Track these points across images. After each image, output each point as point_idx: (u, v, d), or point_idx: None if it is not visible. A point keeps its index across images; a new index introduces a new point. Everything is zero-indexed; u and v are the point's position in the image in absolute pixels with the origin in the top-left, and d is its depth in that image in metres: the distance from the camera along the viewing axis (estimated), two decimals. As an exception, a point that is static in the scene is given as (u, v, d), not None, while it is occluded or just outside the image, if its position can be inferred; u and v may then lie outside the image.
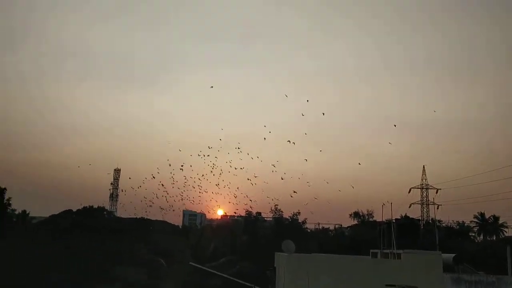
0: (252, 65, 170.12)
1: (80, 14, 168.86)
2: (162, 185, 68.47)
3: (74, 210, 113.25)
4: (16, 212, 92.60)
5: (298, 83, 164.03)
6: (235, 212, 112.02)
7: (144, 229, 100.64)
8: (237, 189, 75.10)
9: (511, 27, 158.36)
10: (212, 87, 56.89)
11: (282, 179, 74.41)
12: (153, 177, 64.83)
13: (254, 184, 71.42)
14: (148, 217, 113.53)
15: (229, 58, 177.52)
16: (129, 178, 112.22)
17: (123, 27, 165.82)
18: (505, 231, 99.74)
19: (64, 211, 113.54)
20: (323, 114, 49.05)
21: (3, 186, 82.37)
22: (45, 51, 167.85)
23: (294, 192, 69.94)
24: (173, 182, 75.22)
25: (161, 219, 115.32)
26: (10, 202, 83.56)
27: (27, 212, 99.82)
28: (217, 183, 79.88)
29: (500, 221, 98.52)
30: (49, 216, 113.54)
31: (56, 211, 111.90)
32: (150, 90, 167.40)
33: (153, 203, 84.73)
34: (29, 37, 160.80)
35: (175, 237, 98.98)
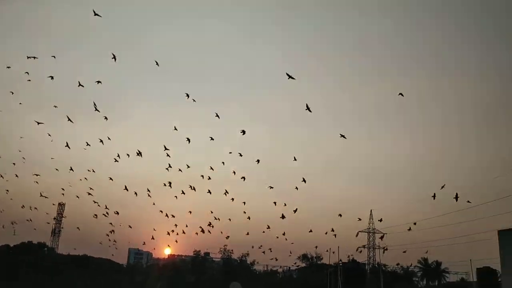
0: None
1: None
2: (111, 223, 66.34)
3: (11, 245, 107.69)
4: None
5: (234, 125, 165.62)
6: (182, 251, 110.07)
7: (87, 268, 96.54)
8: (185, 227, 73.76)
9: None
10: (175, 128, 55.54)
11: (229, 220, 74.07)
12: (95, 216, 62.67)
13: (210, 225, 70.63)
14: (91, 255, 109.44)
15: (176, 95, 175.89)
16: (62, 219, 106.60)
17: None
18: (447, 277, 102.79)
19: (1, 246, 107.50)
20: (257, 161, 49.18)
21: None
22: None
23: (247, 234, 69.78)
24: (119, 220, 73.09)
25: (105, 257, 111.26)
26: None
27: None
28: (164, 222, 78.21)
29: (442, 267, 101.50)
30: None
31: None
32: (99, 123, 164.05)
33: (101, 242, 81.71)
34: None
35: (120, 276, 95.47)
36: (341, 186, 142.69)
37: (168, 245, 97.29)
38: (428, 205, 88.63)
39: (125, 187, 58.34)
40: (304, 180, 49.40)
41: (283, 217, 60.26)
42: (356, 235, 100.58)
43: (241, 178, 55.99)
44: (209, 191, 58.75)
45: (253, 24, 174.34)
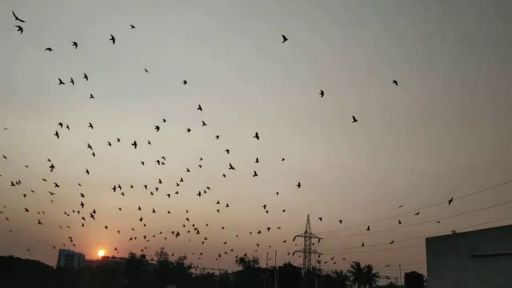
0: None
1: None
2: (39, 222, 62.86)
3: None
4: None
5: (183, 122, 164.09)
6: (117, 253, 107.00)
7: (13, 269, 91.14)
8: (119, 230, 71.75)
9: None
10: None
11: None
12: (26, 209, 59.18)
13: (143, 225, 68.94)
14: (17, 256, 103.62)
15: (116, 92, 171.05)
16: None
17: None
18: (377, 281, 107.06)
19: None
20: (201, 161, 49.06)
21: None
22: None
23: (177, 234, 68.52)
24: (52, 218, 69.78)
25: (32, 258, 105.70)
26: None
27: None
28: (99, 223, 75.67)
29: (373, 271, 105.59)
30: None
31: None
32: (30, 116, 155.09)
33: (38, 241, 77.34)
34: None
35: (49, 279, 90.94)
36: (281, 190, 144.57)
37: (103, 247, 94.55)
38: (363, 211, 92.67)
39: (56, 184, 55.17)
40: (232, 167, 48.33)
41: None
42: (293, 239, 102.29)
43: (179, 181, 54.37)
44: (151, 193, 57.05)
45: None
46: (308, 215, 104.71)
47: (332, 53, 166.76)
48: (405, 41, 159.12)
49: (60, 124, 42.36)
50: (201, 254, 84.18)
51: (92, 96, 42.37)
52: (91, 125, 44.31)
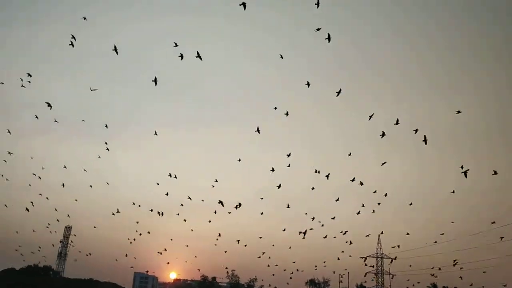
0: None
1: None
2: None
3: (17, 268, 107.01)
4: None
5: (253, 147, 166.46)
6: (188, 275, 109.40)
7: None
8: (194, 254, 73.72)
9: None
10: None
11: (238, 242, 73.59)
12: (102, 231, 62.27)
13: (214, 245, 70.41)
14: (97, 279, 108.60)
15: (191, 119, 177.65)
16: (74, 235, 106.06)
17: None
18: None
19: (5, 270, 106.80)
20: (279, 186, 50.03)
21: None
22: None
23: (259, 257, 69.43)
24: (130, 241, 72.98)
25: (110, 280, 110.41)
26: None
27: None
28: (172, 246, 77.99)
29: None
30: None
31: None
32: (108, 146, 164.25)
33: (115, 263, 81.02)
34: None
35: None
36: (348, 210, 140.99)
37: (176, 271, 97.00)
38: (438, 229, 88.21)
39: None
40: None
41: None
42: (364, 260, 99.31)
43: (237, 205, 54.79)
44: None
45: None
46: (379, 235, 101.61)
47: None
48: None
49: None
50: (272, 275, 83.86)
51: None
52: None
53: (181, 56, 35.80)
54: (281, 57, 38.94)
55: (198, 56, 35.40)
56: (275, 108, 46.36)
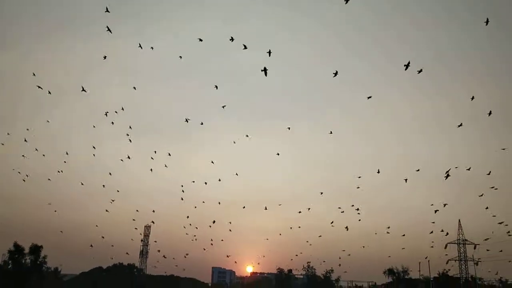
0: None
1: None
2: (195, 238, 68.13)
3: (104, 267, 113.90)
4: (50, 269, 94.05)
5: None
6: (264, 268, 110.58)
7: (174, 286, 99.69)
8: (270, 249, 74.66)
9: None
10: (248, 135, 60.32)
11: (320, 236, 73.73)
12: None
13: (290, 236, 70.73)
14: (177, 275, 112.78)
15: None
16: (155, 241, 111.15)
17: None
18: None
19: (94, 268, 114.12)
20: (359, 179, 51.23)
21: (39, 244, 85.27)
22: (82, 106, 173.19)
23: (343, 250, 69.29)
24: (211, 239, 75.35)
25: (190, 276, 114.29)
26: (46, 259, 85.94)
27: (59, 270, 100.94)
28: (247, 240, 79.38)
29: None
30: (80, 273, 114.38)
31: (87, 268, 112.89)
32: (182, 147, 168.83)
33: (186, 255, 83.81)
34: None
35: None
36: (424, 196, 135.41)
37: (251, 264, 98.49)
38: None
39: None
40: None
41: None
42: (445, 247, 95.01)
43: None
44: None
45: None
46: (459, 220, 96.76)
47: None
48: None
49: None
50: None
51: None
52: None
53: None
54: None
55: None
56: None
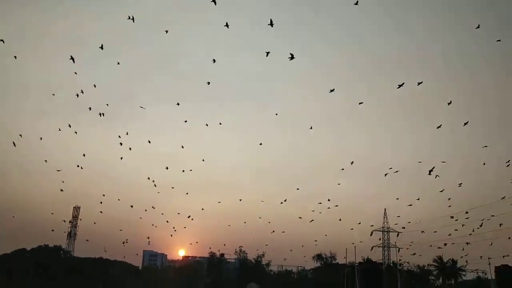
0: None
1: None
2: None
3: (28, 249, 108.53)
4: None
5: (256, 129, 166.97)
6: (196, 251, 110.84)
7: (103, 270, 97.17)
8: (203, 233, 74.70)
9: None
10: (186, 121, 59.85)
11: (245, 223, 74.86)
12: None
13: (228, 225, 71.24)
14: (107, 257, 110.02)
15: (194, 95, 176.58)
16: (80, 219, 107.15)
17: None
18: (463, 275, 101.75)
19: (17, 250, 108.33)
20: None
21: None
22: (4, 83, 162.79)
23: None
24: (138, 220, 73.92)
25: (120, 259, 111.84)
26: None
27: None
28: (179, 225, 79.01)
29: (458, 265, 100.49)
30: (0, 255, 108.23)
31: (9, 250, 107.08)
32: (113, 125, 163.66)
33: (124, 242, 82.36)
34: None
35: (135, 279, 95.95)
36: (355, 186, 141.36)
37: (182, 247, 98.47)
38: (441, 202, 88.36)
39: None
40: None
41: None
42: (371, 234, 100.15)
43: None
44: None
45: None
46: (385, 209, 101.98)
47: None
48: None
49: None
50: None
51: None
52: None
53: None
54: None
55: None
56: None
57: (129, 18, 37.62)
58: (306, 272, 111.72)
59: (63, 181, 71.30)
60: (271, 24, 34.60)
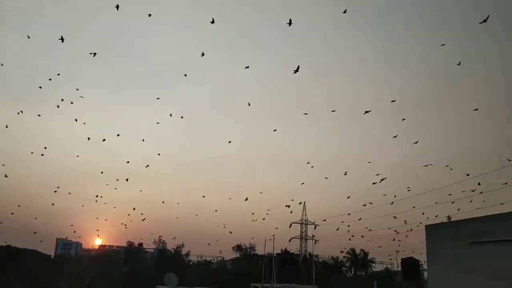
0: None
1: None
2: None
3: None
4: None
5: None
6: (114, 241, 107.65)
7: (13, 259, 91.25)
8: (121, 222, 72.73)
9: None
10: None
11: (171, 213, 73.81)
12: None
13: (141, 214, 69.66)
14: (16, 246, 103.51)
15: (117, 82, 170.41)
16: None
17: None
18: (373, 266, 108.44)
19: None
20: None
21: None
22: None
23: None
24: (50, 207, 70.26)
25: (31, 248, 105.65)
26: None
27: None
28: (96, 213, 76.46)
29: (369, 257, 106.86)
30: None
31: None
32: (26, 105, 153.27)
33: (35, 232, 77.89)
34: None
35: (48, 268, 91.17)
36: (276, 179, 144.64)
37: (98, 235, 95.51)
38: (357, 198, 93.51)
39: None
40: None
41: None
42: (290, 226, 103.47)
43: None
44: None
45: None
46: (304, 202, 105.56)
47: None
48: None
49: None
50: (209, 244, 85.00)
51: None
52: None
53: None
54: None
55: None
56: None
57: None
58: (226, 262, 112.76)
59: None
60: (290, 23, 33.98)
